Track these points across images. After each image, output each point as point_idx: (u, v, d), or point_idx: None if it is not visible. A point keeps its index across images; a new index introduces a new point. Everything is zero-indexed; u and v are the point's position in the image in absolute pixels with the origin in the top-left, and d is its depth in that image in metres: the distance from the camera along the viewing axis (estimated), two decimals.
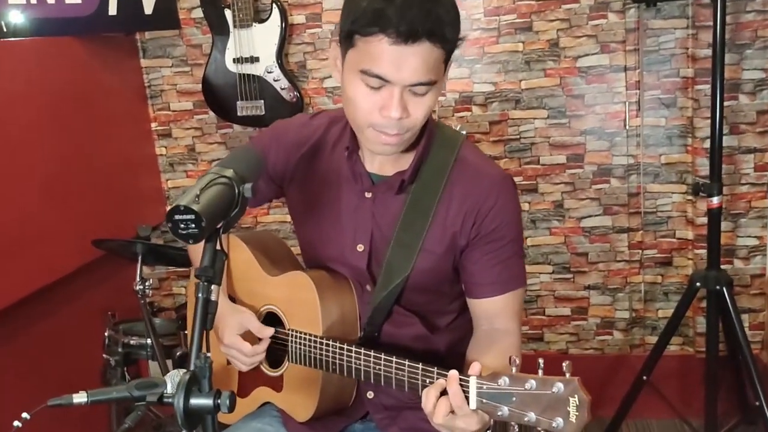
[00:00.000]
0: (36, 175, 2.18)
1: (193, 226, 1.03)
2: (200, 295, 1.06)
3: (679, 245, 2.65)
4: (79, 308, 2.44)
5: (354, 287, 1.42)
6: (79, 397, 1.05)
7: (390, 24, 1.13)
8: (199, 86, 2.74)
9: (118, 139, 2.70)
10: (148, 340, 2.18)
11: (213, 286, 1.08)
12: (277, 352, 1.48)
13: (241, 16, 2.59)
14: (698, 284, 2.23)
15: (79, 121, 2.43)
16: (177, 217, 1.03)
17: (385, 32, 1.14)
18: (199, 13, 2.74)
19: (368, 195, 1.39)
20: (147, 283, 2.18)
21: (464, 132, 2.64)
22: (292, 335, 1.42)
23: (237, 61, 2.65)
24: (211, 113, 2.81)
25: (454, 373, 1.13)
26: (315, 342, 1.37)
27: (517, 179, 2.68)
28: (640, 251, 2.69)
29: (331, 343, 1.34)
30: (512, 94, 2.63)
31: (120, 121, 2.74)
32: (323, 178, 1.43)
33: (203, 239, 1.06)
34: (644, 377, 2.34)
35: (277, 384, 1.48)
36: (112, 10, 2.43)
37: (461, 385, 1.11)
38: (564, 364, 1.04)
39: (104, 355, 2.26)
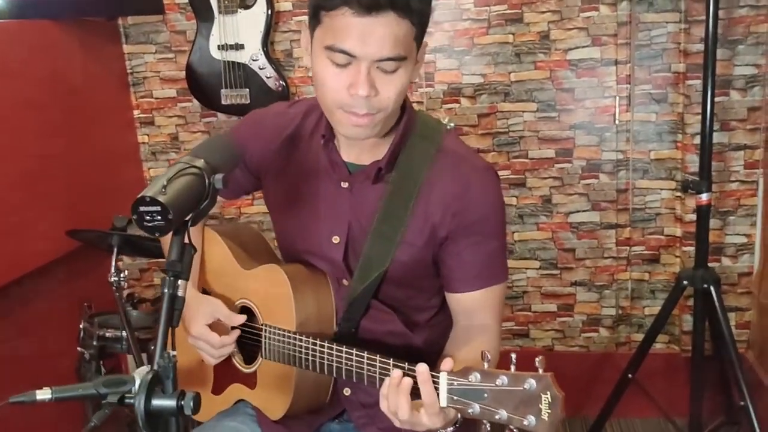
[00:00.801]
0: (12, 164, 2.12)
1: (159, 218, 0.98)
2: (166, 290, 1.02)
3: (667, 242, 2.63)
4: (55, 300, 2.38)
5: (330, 281, 1.38)
6: (43, 394, 1.01)
7: None
8: (183, 73, 2.68)
9: (99, 127, 2.63)
10: (124, 333, 2.13)
11: (180, 282, 1.04)
12: (251, 348, 1.44)
13: (226, 2, 2.53)
14: (685, 282, 2.21)
15: (59, 108, 2.36)
16: (142, 208, 0.98)
17: (348, 4, 1.11)
18: None
19: (344, 185, 1.35)
20: (122, 275, 2.13)
21: (453, 125, 2.61)
22: (265, 330, 1.38)
23: (222, 48, 2.59)
24: (195, 101, 2.74)
25: (424, 368, 1.09)
26: (287, 337, 1.33)
27: (504, 173, 2.65)
28: (628, 248, 2.66)
29: (303, 338, 1.30)
30: (501, 86, 2.59)
31: (101, 108, 2.67)
32: (300, 168, 1.39)
33: (170, 232, 1.02)
34: (629, 375, 2.32)
35: (250, 381, 1.44)
36: None
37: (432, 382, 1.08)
38: (537, 359, 1.00)
39: (79, 348, 2.21)
